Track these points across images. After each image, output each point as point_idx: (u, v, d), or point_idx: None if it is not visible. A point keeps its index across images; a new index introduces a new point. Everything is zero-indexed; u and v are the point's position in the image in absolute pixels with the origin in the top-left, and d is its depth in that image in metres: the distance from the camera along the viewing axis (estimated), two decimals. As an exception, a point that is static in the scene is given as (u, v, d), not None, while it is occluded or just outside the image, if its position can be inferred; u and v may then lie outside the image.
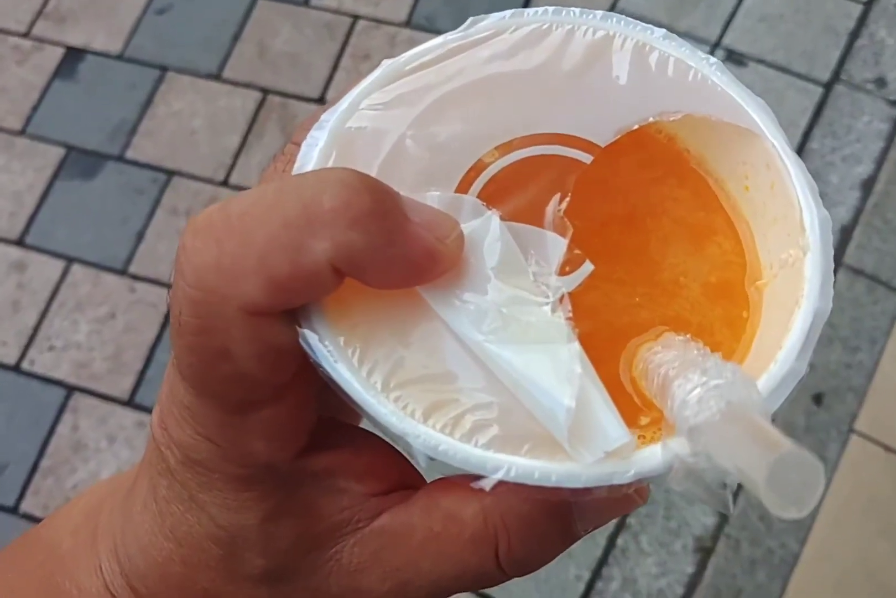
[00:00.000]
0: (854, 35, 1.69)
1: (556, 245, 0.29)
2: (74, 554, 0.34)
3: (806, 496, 0.23)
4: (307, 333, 0.27)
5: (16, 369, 1.58)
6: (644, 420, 0.29)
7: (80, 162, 1.70)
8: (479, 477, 0.27)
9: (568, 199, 0.30)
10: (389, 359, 0.27)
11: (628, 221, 0.32)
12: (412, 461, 0.28)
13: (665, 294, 0.31)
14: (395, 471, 0.30)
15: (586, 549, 1.39)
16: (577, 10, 0.32)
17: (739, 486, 0.25)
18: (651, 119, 0.31)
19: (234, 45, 1.77)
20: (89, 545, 0.33)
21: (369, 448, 0.31)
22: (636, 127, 0.31)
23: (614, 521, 1.37)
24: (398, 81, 0.31)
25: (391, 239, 0.26)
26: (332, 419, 0.31)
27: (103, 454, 1.52)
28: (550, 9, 0.32)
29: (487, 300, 0.28)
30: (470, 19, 0.32)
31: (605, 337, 0.30)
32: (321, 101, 1.71)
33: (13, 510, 1.49)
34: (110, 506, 0.34)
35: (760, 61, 1.67)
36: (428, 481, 0.31)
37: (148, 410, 1.53)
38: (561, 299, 0.29)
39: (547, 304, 0.28)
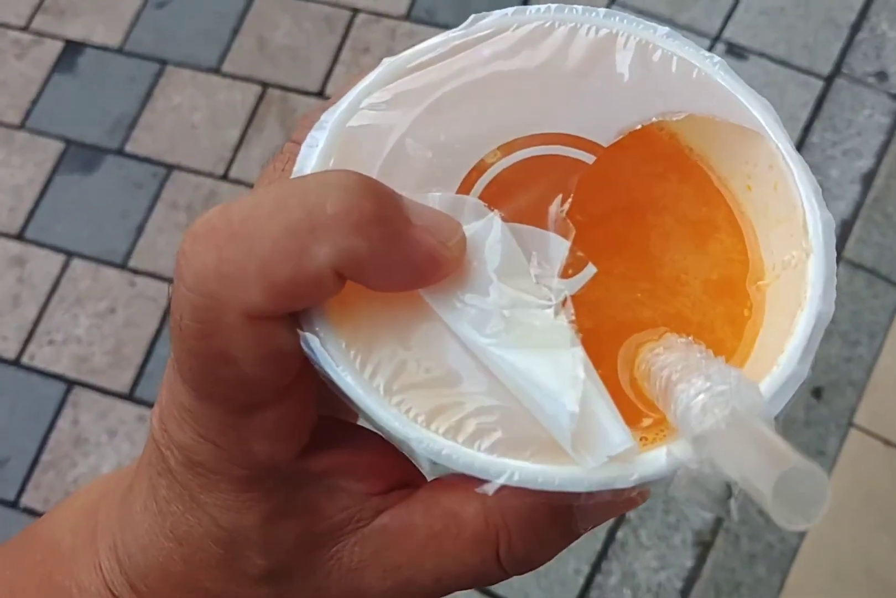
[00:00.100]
0: (855, 28, 1.69)
1: (559, 247, 0.29)
2: (74, 552, 0.34)
3: (812, 509, 0.23)
4: (309, 336, 0.27)
5: (16, 363, 1.58)
6: (646, 422, 0.29)
7: (79, 156, 1.70)
8: (482, 480, 0.27)
9: (570, 200, 0.30)
10: (392, 362, 0.27)
11: (630, 216, 0.32)
12: (415, 464, 0.28)
13: (666, 291, 0.31)
14: (395, 470, 0.30)
15: (586, 543, 1.39)
16: (580, 7, 0.32)
17: (741, 492, 0.25)
18: (654, 119, 0.31)
19: (234, 38, 1.76)
20: (88, 543, 0.33)
21: (369, 447, 0.31)
22: (639, 127, 0.31)
23: (614, 515, 1.37)
24: (399, 80, 0.30)
25: (393, 243, 0.26)
26: (331, 418, 0.31)
27: (104, 449, 1.52)
28: (553, 6, 0.32)
29: (490, 303, 0.28)
30: (472, 17, 0.31)
31: (606, 333, 0.30)
32: (321, 94, 1.71)
33: (14, 504, 1.50)
34: (109, 504, 0.34)
35: (761, 55, 1.66)
36: (429, 480, 0.31)
37: (148, 404, 1.53)
38: (564, 302, 0.28)
39: (550, 307, 0.28)
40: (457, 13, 1.71)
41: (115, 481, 0.35)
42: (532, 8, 0.32)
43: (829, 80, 1.65)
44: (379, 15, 1.75)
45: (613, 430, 0.27)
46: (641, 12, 1.67)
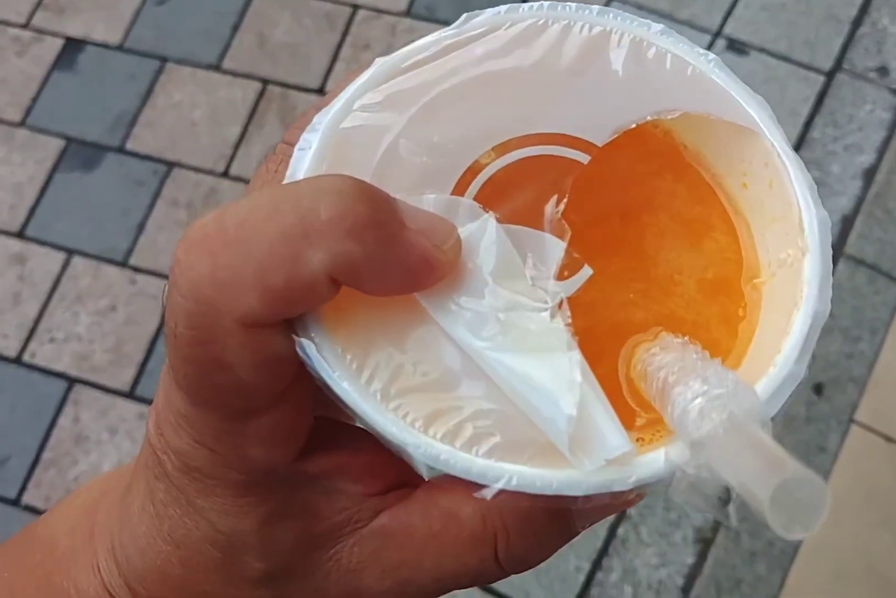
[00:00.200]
0: (856, 23, 1.68)
1: (555, 248, 0.29)
2: (72, 553, 0.34)
3: (810, 517, 0.23)
4: (304, 342, 0.27)
5: (17, 361, 1.58)
6: (640, 421, 0.29)
7: (80, 154, 1.70)
8: (480, 485, 0.26)
9: (565, 200, 0.30)
10: (388, 367, 0.27)
11: (624, 216, 0.32)
12: (413, 469, 0.28)
13: (660, 291, 0.31)
14: (392, 470, 0.30)
15: (586, 540, 1.39)
16: (574, 5, 0.32)
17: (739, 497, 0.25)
18: (649, 118, 0.31)
19: (234, 35, 1.76)
20: (86, 544, 0.33)
21: (365, 448, 0.30)
22: (634, 126, 0.31)
23: (615, 512, 1.38)
24: (392, 81, 0.30)
25: (388, 248, 0.26)
26: (327, 418, 0.31)
27: (105, 446, 1.53)
28: (546, 4, 0.31)
29: (485, 306, 0.28)
30: (464, 15, 0.31)
31: (600, 333, 0.30)
32: (321, 91, 1.71)
33: (15, 502, 1.50)
34: (107, 505, 0.34)
35: (762, 50, 1.66)
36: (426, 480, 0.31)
37: (149, 402, 1.53)
38: (560, 305, 0.28)
39: (546, 309, 0.28)
40: (457, 9, 1.70)
41: (115, 480, 0.35)
42: (525, 6, 0.31)
43: (830, 75, 1.65)
44: (379, 11, 1.75)
45: (611, 433, 0.27)
46: (641, 8, 1.67)
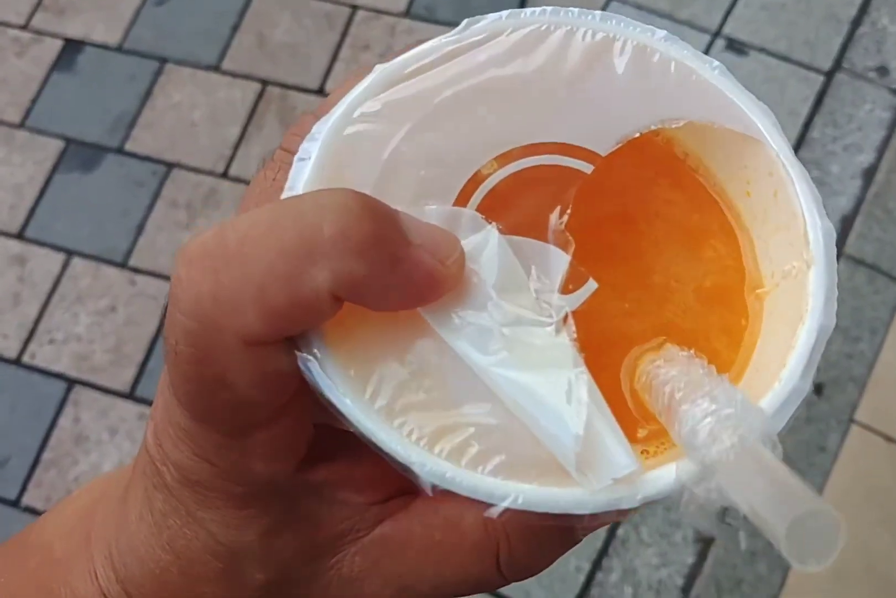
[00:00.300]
0: (856, 23, 1.68)
1: (559, 260, 0.29)
2: (68, 559, 0.33)
3: (826, 551, 0.23)
4: (306, 358, 0.26)
5: (17, 362, 1.58)
6: (643, 433, 0.29)
7: (79, 154, 1.70)
8: (486, 503, 0.26)
9: (569, 211, 0.29)
10: (392, 383, 0.27)
11: (626, 225, 0.32)
12: (418, 487, 0.27)
13: (656, 299, 0.31)
14: (392, 478, 0.30)
15: (586, 541, 1.38)
16: (576, 10, 0.31)
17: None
18: (653, 127, 0.30)
19: (234, 36, 1.76)
20: (83, 550, 0.33)
21: (366, 456, 0.30)
22: (637, 135, 0.30)
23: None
24: (392, 89, 0.30)
25: (392, 265, 0.25)
26: (326, 426, 0.31)
27: (105, 447, 1.53)
28: (549, 9, 0.31)
29: (489, 320, 0.27)
30: (465, 21, 0.30)
31: (602, 344, 0.30)
32: (321, 92, 1.70)
33: (15, 502, 1.50)
34: (104, 510, 0.33)
35: (761, 50, 1.66)
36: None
37: (149, 402, 1.53)
38: (564, 319, 0.28)
39: (550, 324, 0.28)
40: (456, 10, 1.70)
41: (112, 484, 0.35)
42: (527, 11, 0.31)
43: (829, 75, 1.64)
44: (378, 12, 1.75)
45: (618, 452, 0.26)
46: (641, 8, 1.67)
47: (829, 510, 0.22)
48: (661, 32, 0.31)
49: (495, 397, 0.27)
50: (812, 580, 1.35)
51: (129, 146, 1.70)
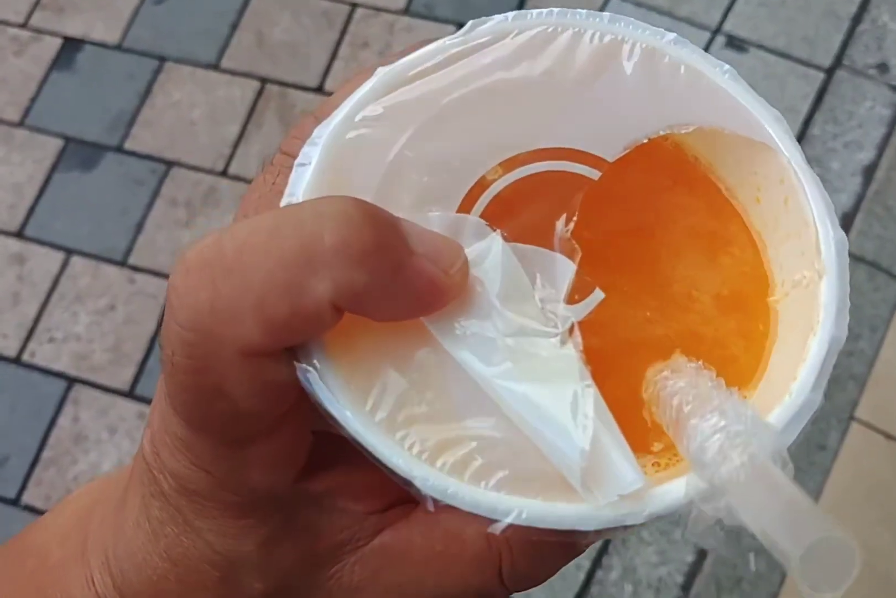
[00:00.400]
0: (856, 20, 1.68)
1: (565, 269, 0.28)
2: (65, 565, 0.33)
3: (840, 577, 0.22)
4: (306, 369, 0.26)
5: (16, 361, 1.58)
6: (657, 446, 0.28)
7: (79, 153, 1.70)
8: (489, 519, 0.26)
9: (575, 219, 0.29)
10: (393, 395, 0.26)
11: (637, 231, 0.31)
12: (419, 500, 0.27)
13: (677, 308, 0.30)
14: (392, 487, 0.29)
15: (586, 538, 1.39)
16: (584, 11, 0.30)
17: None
18: (661, 132, 0.30)
19: (233, 34, 1.76)
20: (79, 556, 0.33)
21: (365, 464, 0.29)
22: (645, 140, 0.30)
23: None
24: (394, 92, 0.29)
25: (394, 275, 0.25)
26: (325, 433, 0.30)
27: (104, 446, 1.53)
28: (556, 10, 0.30)
29: (493, 330, 0.27)
30: (470, 22, 0.30)
31: (613, 353, 0.29)
32: (320, 90, 1.70)
33: (15, 501, 1.50)
34: (100, 514, 0.33)
35: (761, 47, 1.66)
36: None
37: (149, 401, 1.53)
38: (570, 330, 0.27)
39: (556, 335, 0.27)
40: (455, 8, 1.70)
41: (109, 488, 0.34)
42: (533, 12, 0.30)
43: (829, 72, 1.64)
44: (378, 10, 1.75)
45: (625, 468, 0.26)
46: (640, 5, 1.66)
47: (844, 537, 0.22)
48: (671, 35, 0.30)
49: (499, 410, 0.26)
50: (812, 579, 1.35)
51: (128, 145, 1.70)
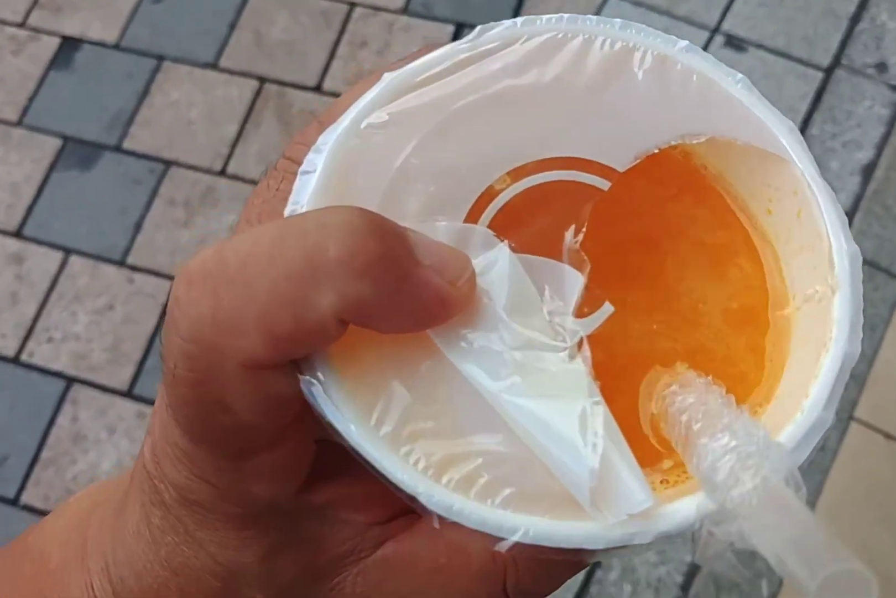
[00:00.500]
0: (855, 19, 1.68)
1: (574, 281, 0.27)
2: (64, 569, 0.33)
3: None
4: (310, 382, 0.25)
5: (15, 360, 1.58)
6: (667, 464, 0.28)
7: (77, 153, 1.70)
8: (495, 536, 0.25)
9: (584, 230, 0.28)
10: (398, 409, 0.26)
11: (643, 243, 0.31)
12: (424, 517, 0.26)
13: (685, 322, 0.30)
14: (394, 498, 0.29)
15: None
16: (595, 18, 0.30)
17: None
18: (672, 142, 0.29)
19: (231, 33, 1.76)
20: (79, 561, 0.32)
21: (367, 475, 0.29)
22: (656, 151, 0.29)
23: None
24: (401, 99, 0.28)
25: (400, 287, 0.24)
26: (327, 442, 0.30)
27: (103, 445, 1.52)
28: (566, 16, 0.29)
29: (500, 344, 0.26)
30: (478, 28, 0.29)
31: (620, 368, 0.29)
32: (318, 89, 1.70)
33: (14, 501, 1.49)
34: (100, 519, 0.33)
35: (760, 46, 1.66)
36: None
37: (147, 401, 1.53)
38: (579, 345, 0.27)
39: (564, 349, 0.27)
40: (454, 7, 1.70)
41: (108, 492, 0.34)
42: (543, 18, 0.29)
43: (828, 71, 1.64)
44: (376, 9, 1.75)
45: (634, 487, 0.25)
46: (639, 5, 1.66)
47: (861, 570, 0.22)
48: (683, 42, 0.30)
49: (506, 426, 0.26)
50: (811, 578, 1.35)
51: (126, 144, 1.69)
